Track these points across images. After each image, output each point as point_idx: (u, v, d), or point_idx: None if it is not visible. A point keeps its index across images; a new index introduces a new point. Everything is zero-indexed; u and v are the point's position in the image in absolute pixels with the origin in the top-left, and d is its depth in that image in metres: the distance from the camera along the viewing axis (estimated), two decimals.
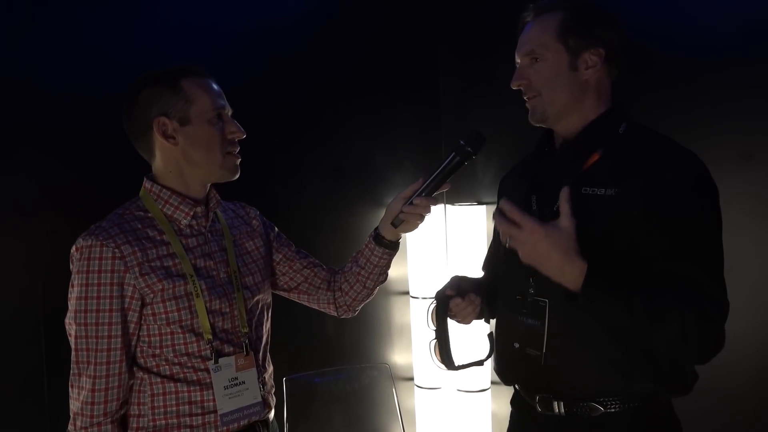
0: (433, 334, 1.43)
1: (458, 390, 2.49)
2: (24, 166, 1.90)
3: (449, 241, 2.52)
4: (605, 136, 1.34)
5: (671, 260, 1.23)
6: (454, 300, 1.43)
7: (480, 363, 1.47)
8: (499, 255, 1.52)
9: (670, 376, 1.29)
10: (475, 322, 1.52)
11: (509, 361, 1.41)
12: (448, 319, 1.45)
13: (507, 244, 1.27)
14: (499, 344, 1.46)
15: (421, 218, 1.46)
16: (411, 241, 2.51)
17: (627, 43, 1.38)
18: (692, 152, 1.30)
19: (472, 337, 2.28)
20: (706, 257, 1.24)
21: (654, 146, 1.31)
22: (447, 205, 2.51)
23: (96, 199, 1.93)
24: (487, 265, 1.65)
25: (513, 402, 1.50)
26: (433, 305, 1.44)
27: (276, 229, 1.60)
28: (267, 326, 1.51)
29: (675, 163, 1.26)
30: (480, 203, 2.51)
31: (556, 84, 1.34)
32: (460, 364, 1.43)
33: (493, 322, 1.53)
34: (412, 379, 2.61)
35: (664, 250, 1.23)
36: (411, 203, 1.44)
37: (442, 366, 1.42)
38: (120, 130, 1.45)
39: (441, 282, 2.49)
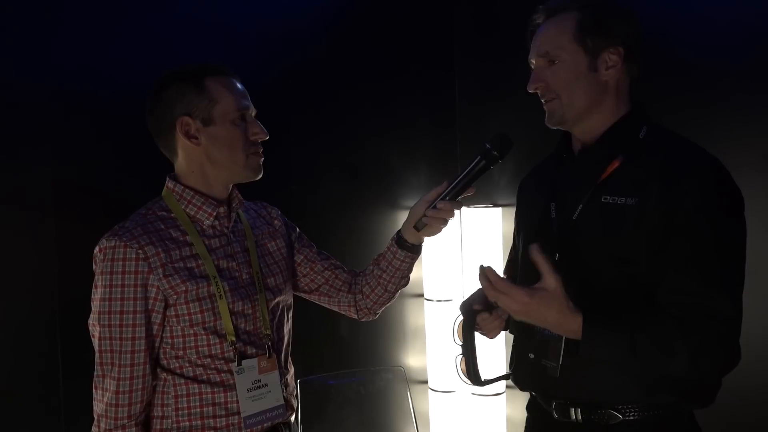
0: (459, 349, 1.40)
1: (473, 394, 2.48)
2: (40, 166, 1.90)
3: (464, 243, 2.51)
4: (625, 141, 1.31)
5: (683, 273, 1.20)
6: (482, 315, 1.40)
7: (507, 377, 1.45)
8: (517, 263, 1.50)
9: (691, 389, 1.27)
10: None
11: (524, 370, 1.39)
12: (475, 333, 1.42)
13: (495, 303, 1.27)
14: (514, 353, 1.44)
15: (445, 222, 1.44)
16: (426, 243, 2.49)
17: (644, 39, 1.35)
18: (714, 157, 1.26)
19: (494, 349, 2.27)
20: (721, 270, 1.21)
21: (675, 152, 1.28)
22: (462, 208, 2.50)
23: (112, 199, 1.95)
24: (508, 270, 1.62)
25: (529, 407, 1.48)
26: (460, 319, 1.41)
27: (297, 229, 1.59)
28: (288, 327, 1.50)
29: (696, 170, 1.23)
30: (495, 206, 2.50)
31: (574, 86, 1.31)
32: (487, 378, 1.40)
33: None
34: (426, 382, 2.59)
35: (679, 261, 1.21)
36: (435, 207, 1.42)
37: (468, 381, 1.40)
38: (136, 130, 1.44)
39: (454, 284, 2.50)
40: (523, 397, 2.60)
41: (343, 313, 1.63)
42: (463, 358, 1.39)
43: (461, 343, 1.40)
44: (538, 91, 1.35)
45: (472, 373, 1.38)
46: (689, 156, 1.27)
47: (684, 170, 1.23)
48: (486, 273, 1.21)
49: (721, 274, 1.21)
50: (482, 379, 1.39)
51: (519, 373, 1.43)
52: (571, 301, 1.19)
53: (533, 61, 1.36)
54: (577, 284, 1.26)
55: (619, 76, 1.32)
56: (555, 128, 1.38)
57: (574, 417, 1.30)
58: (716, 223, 1.21)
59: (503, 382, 2.44)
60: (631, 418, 1.26)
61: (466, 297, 1.45)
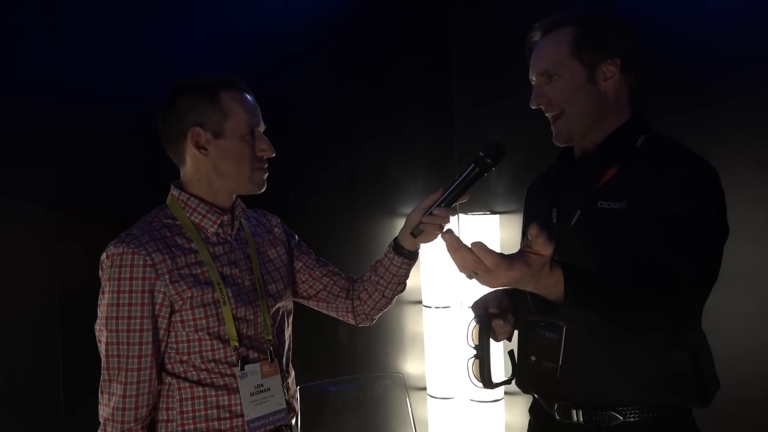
0: (472, 352, 1.41)
1: (471, 400, 2.48)
2: (41, 170, 1.92)
3: None
4: (622, 150, 1.34)
5: (655, 245, 1.21)
6: (497, 321, 1.41)
7: (509, 381, 1.46)
8: None
9: (689, 387, 1.29)
10: None
11: (527, 372, 1.41)
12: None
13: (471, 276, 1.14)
14: (518, 356, 1.46)
15: (441, 228, 1.46)
16: (424, 250, 2.50)
17: (639, 47, 1.37)
18: (704, 159, 1.29)
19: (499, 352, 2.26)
20: (696, 254, 1.20)
21: (667, 158, 1.30)
22: (460, 215, 2.51)
23: (113, 205, 1.96)
24: None
25: (531, 410, 1.50)
26: (474, 323, 1.42)
27: (297, 237, 1.62)
28: (288, 332, 1.52)
29: (682, 170, 1.26)
30: (493, 213, 2.51)
31: (576, 100, 1.33)
32: (496, 381, 1.41)
33: (514, 337, 1.52)
34: (424, 388, 2.60)
35: (652, 237, 1.22)
36: (430, 214, 1.44)
37: (479, 384, 1.40)
38: (139, 136, 1.46)
39: (453, 291, 2.50)
40: (521, 403, 2.60)
41: (341, 318, 1.65)
42: (477, 361, 1.39)
43: (475, 346, 1.40)
44: (541, 107, 1.38)
45: (486, 376, 1.39)
46: (680, 159, 1.29)
47: (671, 170, 1.25)
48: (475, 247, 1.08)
49: (696, 255, 1.20)
50: (493, 383, 1.40)
51: (521, 376, 1.44)
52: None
53: (533, 79, 1.39)
54: None
55: (618, 87, 1.35)
56: (563, 146, 1.40)
57: (575, 418, 1.32)
58: (694, 208, 1.22)
59: (503, 388, 2.46)
60: (632, 419, 1.28)
61: (478, 297, 1.46)
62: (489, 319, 1.41)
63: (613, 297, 1.15)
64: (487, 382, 1.39)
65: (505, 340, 1.48)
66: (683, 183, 1.24)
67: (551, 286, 1.10)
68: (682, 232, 1.21)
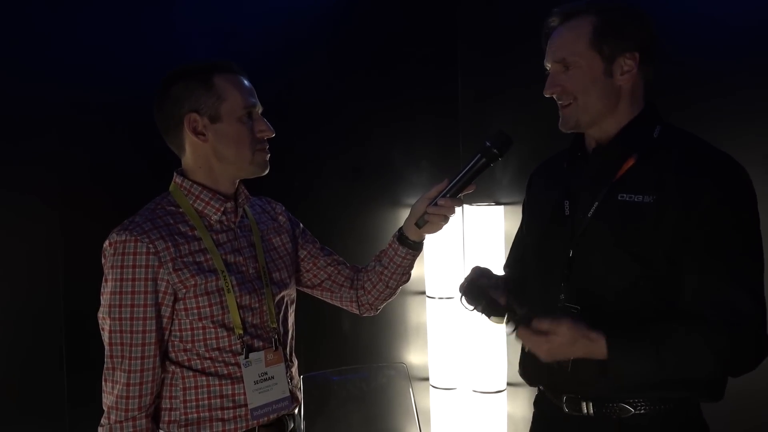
0: (470, 310, 1.37)
1: (474, 391, 2.49)
2: (46, 160, 1.92)
3: (466, 241, 2.52)
4: (640, 140, 1.32)
5: (706, 270, 1.22)
6: (482, 280, 1.39)
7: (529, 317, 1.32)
8: (526, 260, 1.50)
9: (701, 382, 1.29)
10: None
11: (534, 364, 1.37)
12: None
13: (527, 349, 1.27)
14: (525, 348, 1.43)
15: (446, 219, 1.46)
16: (428, 241, 2.49)
17: (659, 42, 1.35)
18: (728, 155, 1.28)
19: (495, 349, 2.26)
20: (743, 265, 1.23)
21: (689, 150, 1.29)
22: (465, 205, 2.50)
23: (118, 194, 1.96)
24: (512, 266, 1.62)
25: (536, 403, 1.49)
26: (461, 295, 1.40)
27: (301, 225, 1.62)
28: (291, 321, 1.52)
29: (712, 167, 1.26)
30: (498, 204, 2.50)
31: (591, 90, 1.31)
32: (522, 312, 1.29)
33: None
34: (427, 379, 2.60)
35: (701, 260, 1.23)
36: (435, 204, 1.43)
37: (509, 330, 1.29)
38: (141, 126, 1.46)
39: (458, 282, 2.50)
40: (523, 394, 2.60)
41: (344, 308, 1.64)
42: (488, 316, 1.35)
43: (474, 308, 1.36)
44: (554, 96, 1.36)
45: (511, 316, 1.28)
46: (704, 153, 1.29)
47: (700, 167, 1.25)
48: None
49: (743, 268, 1.23)
50: (523, 314, 1.28)
51: (528, 368, 1.43)
52: (590, 329, 1.22)
53: (548, 66, 1.36)
54: (592, 281, 1.29)
55: (633, 81, 1.32)
56: (569, 132, 1.38)
57: (585, 411, 1.31)
58: (735, 218, 1.23)
59: (504, 379, 2.46)
60: (642, 411, 1.28)
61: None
62: (473, 281, 1.39)
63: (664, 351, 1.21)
64: (520, 318, 1.27)
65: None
66: (724, 194, 1.23)
67: (601, 355, 1.22)
68: (737, 257, 1.22)
